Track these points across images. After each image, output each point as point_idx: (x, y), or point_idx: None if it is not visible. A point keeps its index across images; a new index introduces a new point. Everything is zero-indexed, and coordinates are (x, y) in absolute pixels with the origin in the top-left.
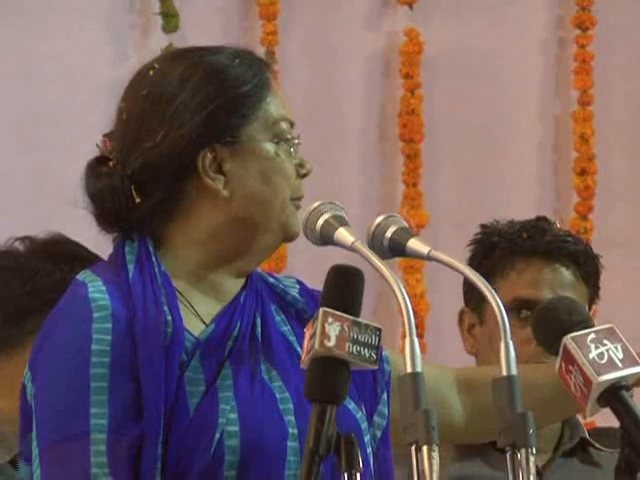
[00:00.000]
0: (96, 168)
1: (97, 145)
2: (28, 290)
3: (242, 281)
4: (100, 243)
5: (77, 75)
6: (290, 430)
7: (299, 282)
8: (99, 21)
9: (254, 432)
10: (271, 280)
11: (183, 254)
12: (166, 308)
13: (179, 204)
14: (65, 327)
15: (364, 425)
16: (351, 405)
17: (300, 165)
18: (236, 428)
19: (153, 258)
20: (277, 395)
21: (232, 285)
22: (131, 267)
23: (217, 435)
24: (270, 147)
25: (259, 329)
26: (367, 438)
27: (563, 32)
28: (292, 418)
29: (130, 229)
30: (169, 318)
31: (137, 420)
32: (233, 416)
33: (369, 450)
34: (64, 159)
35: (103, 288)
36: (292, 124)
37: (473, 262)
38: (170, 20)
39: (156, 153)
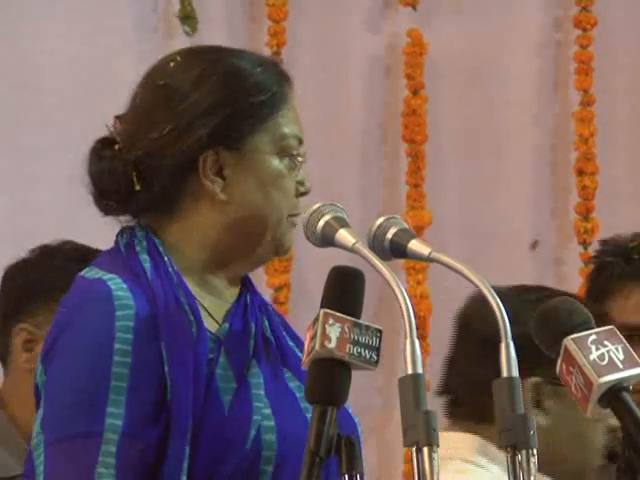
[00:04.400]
0: (100, 150)
1: (106, 126)
2: (17, 295)
3: (237, 284)
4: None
5: (98, 77)
6: None
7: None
8: (123, 24)
9: (287, 428)
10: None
11: (189, 255)
12: (187, 308)
13: (179, 201)
14: (86, 322)
15: (361, 428)
16: (351, 409)
17: (300, 183)
18: (272, 423)
19: (165, 258)
20: (297, 394)
21: (230, 288)
22: (147, 266)
23: (253, 432)
24: (274, 161)
25: (268, 331)
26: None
27: (563, 32)
28: (310, 416)
29: (131, 218)
30: (191, 318)
31: (154, 424)
32: (267, 412)
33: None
34: (84, 162)
35: (124, 286)
36: (301, 141)
37: (589, 279)
38: (189, 22)
39: (160, 145)
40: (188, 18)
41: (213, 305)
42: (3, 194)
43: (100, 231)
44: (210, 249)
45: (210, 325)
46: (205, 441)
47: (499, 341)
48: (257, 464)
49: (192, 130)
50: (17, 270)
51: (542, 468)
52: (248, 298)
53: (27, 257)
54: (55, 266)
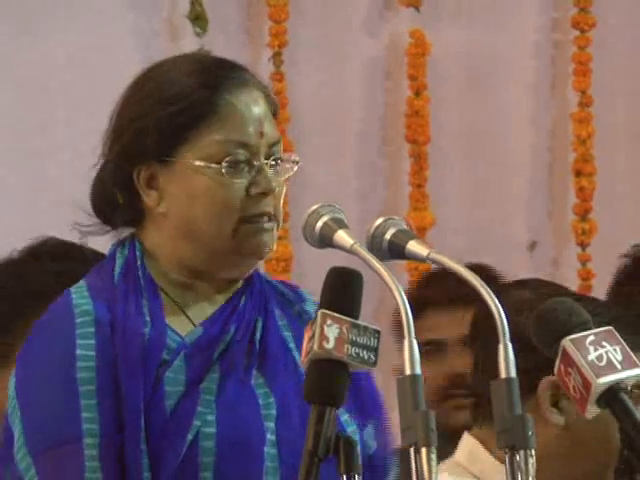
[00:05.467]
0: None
1: None
2: (14, 295)
3: (235, 286)
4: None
5: (101, 82)
6: (268, 436)
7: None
8: (125, 27)
9: (231, 435)
10: (280, 287)
11: (163, 262)
12: (146, 310)
13: (140, 214)
14: (49, 334)
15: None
16: (344, 417)
17: (253, 184)
18: (213, 430)
19: (139, 262)
20: (260, 401)
21: (220, 292)
22: (117, 270)
23: (190, 436)
24: (202, 172)
25: (258, 334)
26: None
27: (563, 33)
28: (272, 425)
29: (124, 230)
30: (147, 319)
31: (123, 422)
32: (211, 418)
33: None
34: (90, 166)
35: (87, 293)
36: (244, 145)
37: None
38: (200, 24)
39: (104, 164)
40: (198, 19)
41: (196, 309)
42: (9, 191)
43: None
44: (174, 260)
45: (183, 328)
46: (151, 442)
47: (510, 340)
48: (195, 470)
49: (118, 147)
50: (20, 268)
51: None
52: (243, 300)
53: (27, 257)
54: (50, 269)
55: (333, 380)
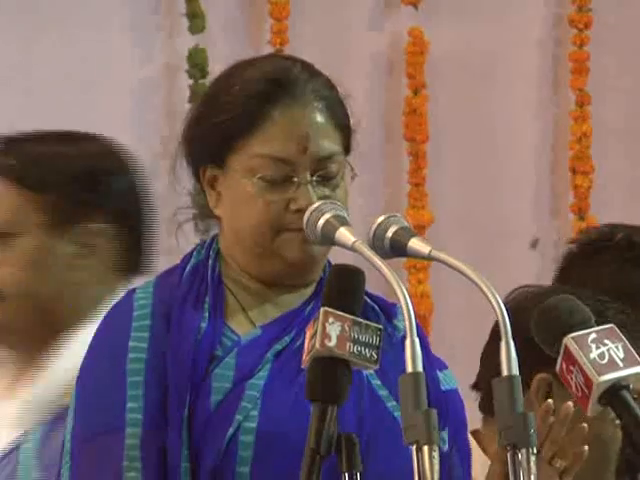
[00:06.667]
0: None
1: None
2: None
3: (307, 291)
4: None
5: (102, 78)
6: None
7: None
8: (124, 24)
9: (272, 431)
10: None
11: (229, 263)
12: (206, 306)
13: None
14: (108, 326)
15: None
16: (391, 403)
17: (292, 199)
18: (254, 425)
19: (210, 261)
20: None
21: (292, 296)
22: (188, 268)
23: (231, 430)
24: (244, 181)
25: None
26: None
27: (563, 32)
28: None
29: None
30: (205, 315)
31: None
32: (254, 413)
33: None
34: None
35: (151, 288)
36: (283, 160)
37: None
38: (197, 21)
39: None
40: (196, 17)
41: (260, 312)
42: None
43: None
44: (233, 262)
45: (243, 329)
46: (194, 435)
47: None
48: (232, 464)
49: (185, 147)
50: None
51: None
52: (311, 306)
53: None
54: None
55: (335, 378)
